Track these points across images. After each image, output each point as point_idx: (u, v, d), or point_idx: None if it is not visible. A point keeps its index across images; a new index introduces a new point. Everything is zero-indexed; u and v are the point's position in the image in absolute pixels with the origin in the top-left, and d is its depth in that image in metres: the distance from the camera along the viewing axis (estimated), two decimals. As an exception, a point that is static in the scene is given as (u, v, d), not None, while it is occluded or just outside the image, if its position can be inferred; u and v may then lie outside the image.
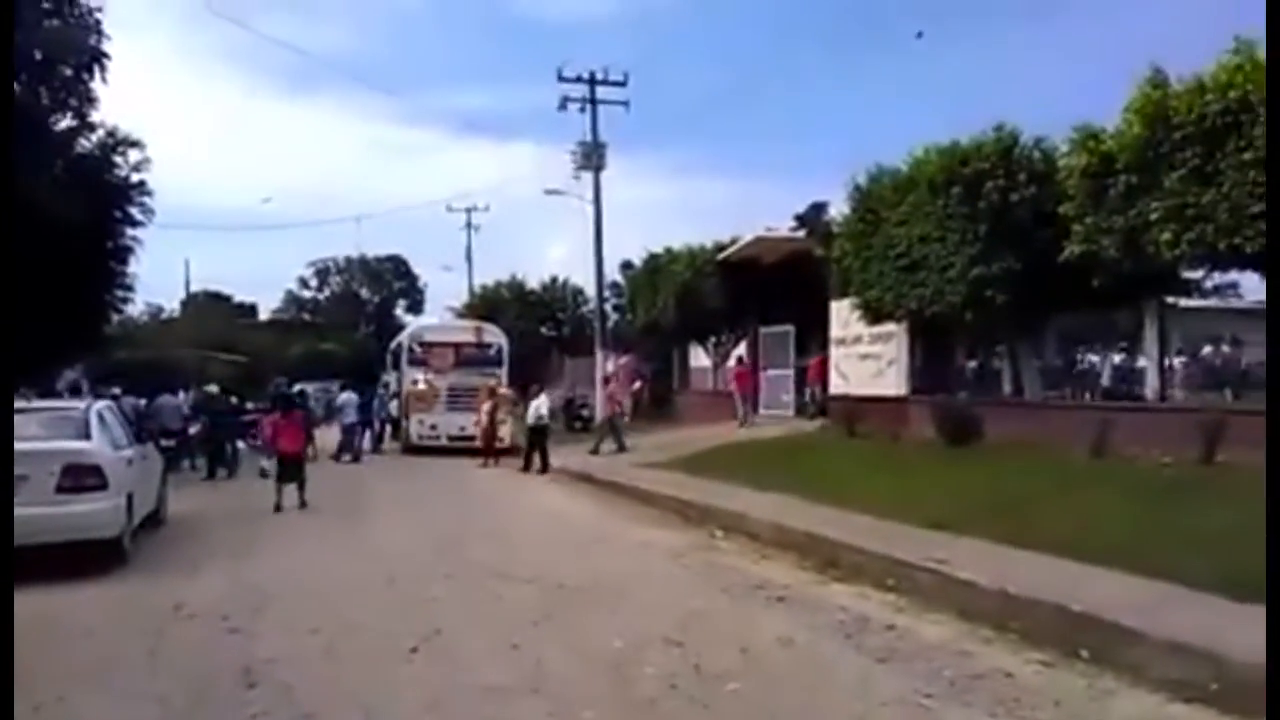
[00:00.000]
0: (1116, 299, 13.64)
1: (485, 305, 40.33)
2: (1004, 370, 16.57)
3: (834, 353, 20.41)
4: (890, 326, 17.74)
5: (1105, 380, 16.17)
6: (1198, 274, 13.41)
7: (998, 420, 14.75)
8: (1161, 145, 11.49)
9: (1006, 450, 13.32)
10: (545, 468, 18.69)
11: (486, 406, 20.77)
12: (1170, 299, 13.58)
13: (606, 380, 22.44)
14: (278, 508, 13.24)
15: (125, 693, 5.28)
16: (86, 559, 8.73)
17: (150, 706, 5.06)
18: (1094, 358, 16.77)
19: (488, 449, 20.37)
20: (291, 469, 13.73)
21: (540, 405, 19.49)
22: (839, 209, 19.23)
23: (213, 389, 21.65)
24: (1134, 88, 11.98)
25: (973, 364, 18.39)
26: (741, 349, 25.90)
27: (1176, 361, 14.46)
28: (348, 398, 22.19)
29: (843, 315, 19.44)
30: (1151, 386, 13.49)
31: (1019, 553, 7.72)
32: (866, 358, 19.16)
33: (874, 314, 17.48)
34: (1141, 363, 14.16)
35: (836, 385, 20.24)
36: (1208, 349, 16.22)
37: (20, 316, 15.17)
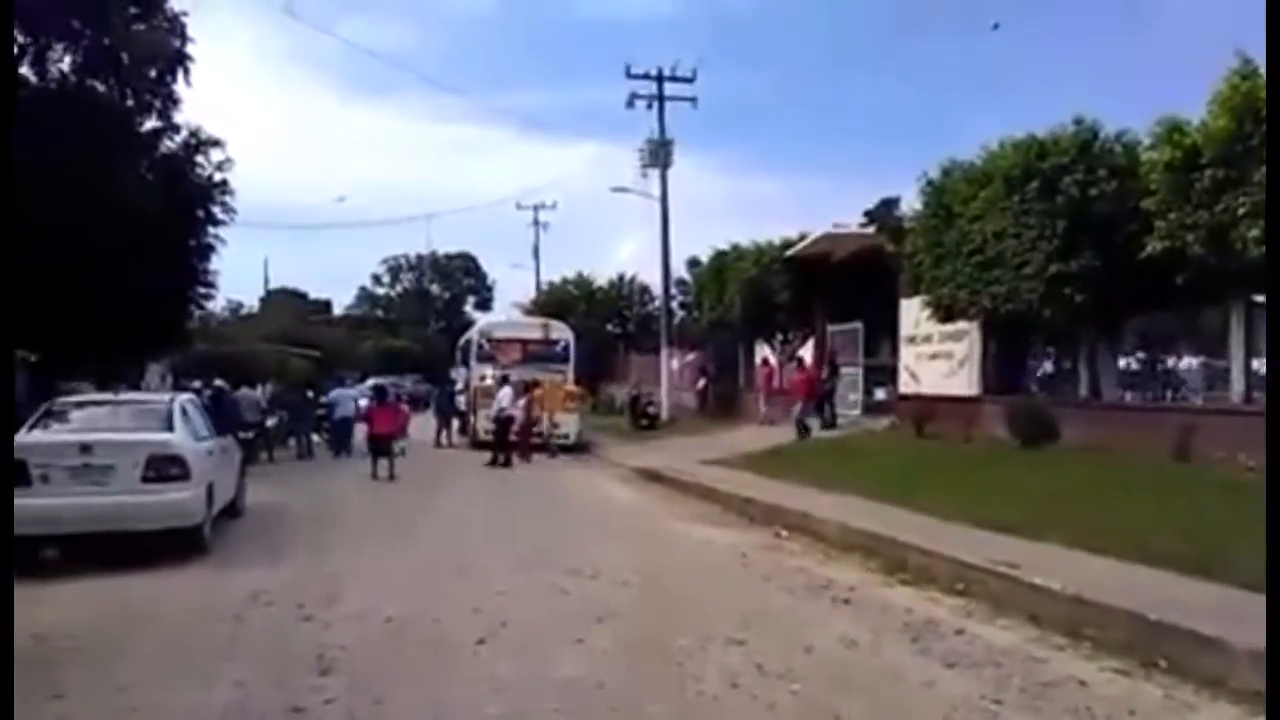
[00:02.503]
0: (1201, 298, 13.15)
1: (553, 302, 40.68)
2: (1081, 371, 16.11)
3: (904, 351, 20.10)
4: (962, 325, 17.40)
5: (1189, 382, 15.62)
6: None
7: (1074, 422, 14.37)
8: (1250, 138, 11.04)
9: (1083, 453, 12.98)
10: (508, 460, 18.99)
11: (522, 402, 20.59)
12: (1258, 297, 13.05)
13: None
14: (374, 475, 16.36)
15: (205, 676, 5.45)
16: (169, 547, 9.05)
17: (228, 690, 5.23)
18: (1177, 359, 16.20)
19: (524, 445, 20.29)
20: (385, 446, 16.74)
21: (503, 397, 19.87)
22: (910, 205, 18.92)
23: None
24: (1220, 78, 11.54)
25: (1048, 364, 17.93)
26: (807, 349, 25.66)
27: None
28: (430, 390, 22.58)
29: (913, 313, 19.13)
30: (1237, 389, 12.99)
31: (1094, 558, 7.52)
32: (937, 357, 18.84)
33: (946, 312, 17.14)
34: (1227, 364, 13.62)
35: (906, 384, 19.93)
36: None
37: (107, 312, 15.76)
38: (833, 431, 19.81)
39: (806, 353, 26.79)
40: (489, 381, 23.19)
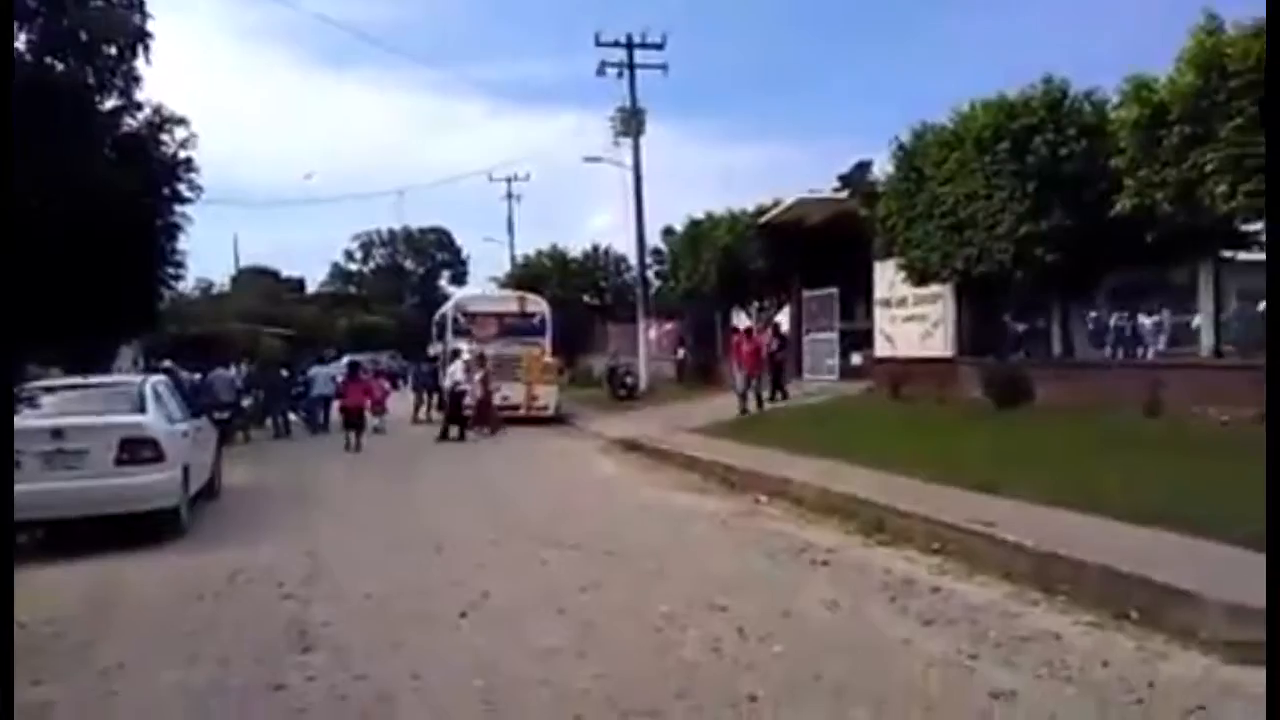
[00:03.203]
0: (1171, 255, 13.28)
1: (528, 275, 40.54)
2: (1054, 330, 16.25)
3: (879, 315, 20.19)
4: (936, 288, 17.49)
5: (1159, 339, 15.80)
6: (1255, 226, 13.00)
7: (1047, 381, 14.53)
8: (1217, 94, 11.11)
9: (1057, 412, 13.14)
10: (461, 434, 19.10)
11: (479, 375, 20.56)
12: (1227, 253, 13.19)
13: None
14: (347, 446, 17.65)
15: (186, 657, 5.44)
16: (146, 530, 9.00)
17: (211, 667, 5.23)
18: (1147, 317, 16.37)
19: (485, 417, 20.37)
20: (356, 419, 18.24)
21: (455, 370, 20.00)
22: (883, 168, 18.92)
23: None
24: (1187, 35, 11.58)
25: (1021, 325, 18.08)
26: (784, 315, 25.67)
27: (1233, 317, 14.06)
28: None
29: (888, 277, 19.21)
30: (1207, 344, 13.16)
31: (1069, 514, 7.63)
32: (912, 319, 18.95)
33: (919, 275, 17.22)
34: (1197, 320, 13.79)
35: (882, 348, 20.04)
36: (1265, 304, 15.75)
37: (74, 294, 15.54)
38: (785, 403, 19.49)
39: (769, 320, 26.86)
40: (465, 356, 23.10)
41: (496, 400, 22.47)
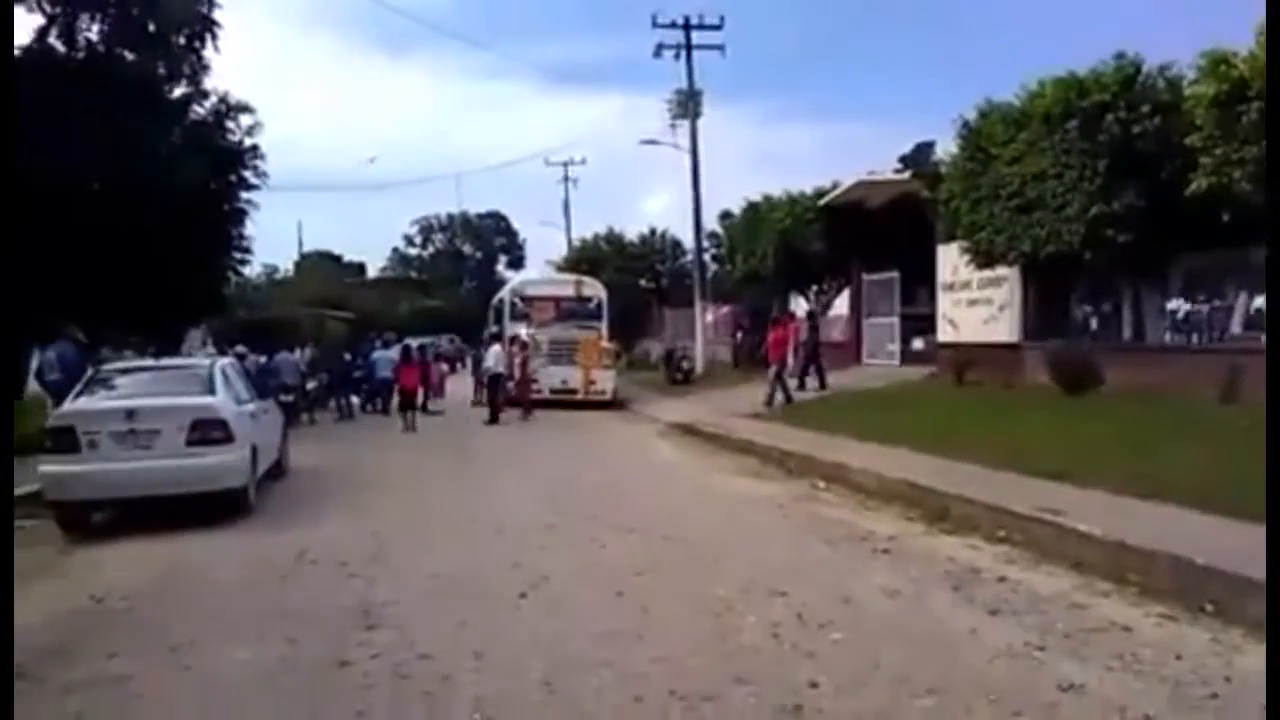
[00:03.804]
0: (1249, 236, 12.79)
1: (584, 259, 40.58)
2: (1125, 314, 15.79)
3: (942, 299, 19.84)
4: (1002, 270, 17.12)
5: (1237, 324, 15.23)
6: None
7: (1118, 367, 14.15)
8: (1301, 67, 10.63)
9: (1127, 398, 12.79)
10: (495, 417, 19.20)
11: (519, 359, 20.60)
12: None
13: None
14: (404, 428, 18.19)
15: (255, 634, 5.57)
16: (215, 509, 9.23)
17: (279, 646, 5.33)
18: (1225, 301, 15.80)
19: (522, 401, 20.33)
20: (410, 400, 18.80)
21: (490, 355, 20.25)
22: (946, 149, 18.54)
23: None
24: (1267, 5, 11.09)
25: (1090, 308, 17.61)
26: (843, 299, 25.35)
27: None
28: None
29: (951, 260, 18.85)
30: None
31: (1140, 504, 7.43)
32: (976, 303, 18.59)
33: (985, 258, 16.86)
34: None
35: (945, 333, 19.70)
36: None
37: (144, 279, 15.95)
38: (824, 392, 18.87)
39: (828, 304, 26.46)
40: (523, 339, 23.26)
41: (555, 384, 22.65)
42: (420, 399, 21.14)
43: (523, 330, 23.51)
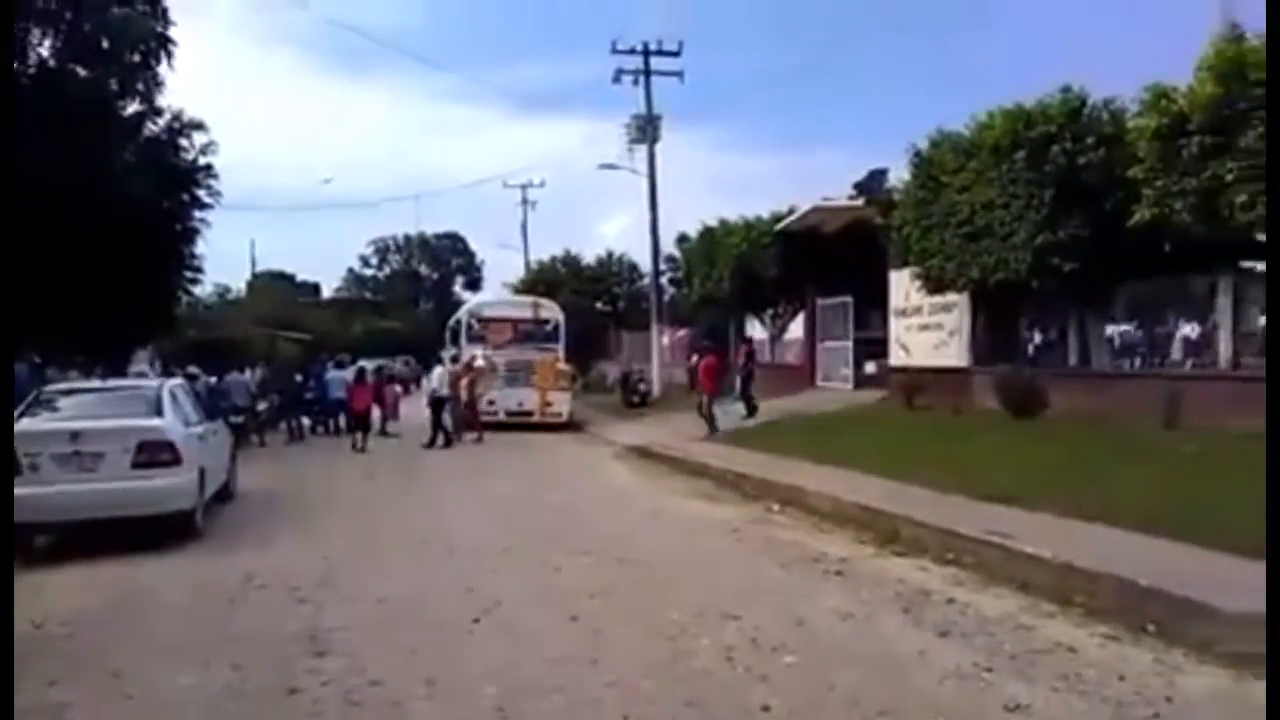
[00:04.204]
0: (1189, 265, 13.18)
1: (542, 281, 40.51)
2: (1070, 340, 16.15)
3: (894, 324, 20.11)
4: (952, 296, 17.41)
5: (1176, 350, 15.68)
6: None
7: (1064, 392, 14.43)
8: (1237, 103, 11.02)
9: (1073, 422, 13.04)
10: (448, 441, 19.13)
11: (465, 381, 20.57)
12: (1246, 264, 13.08)
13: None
14: (354, 447, 18.67)
15: (200, 660, 5.46)
16: (161, 533, 9.04)
17: (226, 672, 5.24)
18: (1165, 328, 16.25)
19: (471, 423, 20.30)
20: (362, 420, 19.36)
21: (434, 378, 20.18)
22: (899, 176, 18.85)
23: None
24: (1207, 44, 11.50)
25: (1037, 334, 17.98)
26: (797, 323, 25.56)
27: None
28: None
29: (903, 285, 19.13)
30: (1225, 356, 13.05)
31: (1085, 526, 7.59)
32: (927, 328, 18.86)
33: (935, 284, 17.15)
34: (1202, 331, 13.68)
35: (897, 357, 19.97)
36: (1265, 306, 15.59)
37: (92, 298, 15.64)
38: (751, 421, 18.80)
39: (782, 328, 26.70)
40: (479, 362, 23.15)
41: (511, 406, 22.56)
42: (378, 421, 21.00)
43: (479, 351, 23.41)
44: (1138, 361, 15.71)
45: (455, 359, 23.62)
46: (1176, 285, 14.74)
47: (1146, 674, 4.89)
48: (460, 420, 20.06)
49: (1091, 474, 9.56)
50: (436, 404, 19.74)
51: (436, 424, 19.45)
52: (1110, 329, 16.00)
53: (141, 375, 19.33)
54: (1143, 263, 13.11)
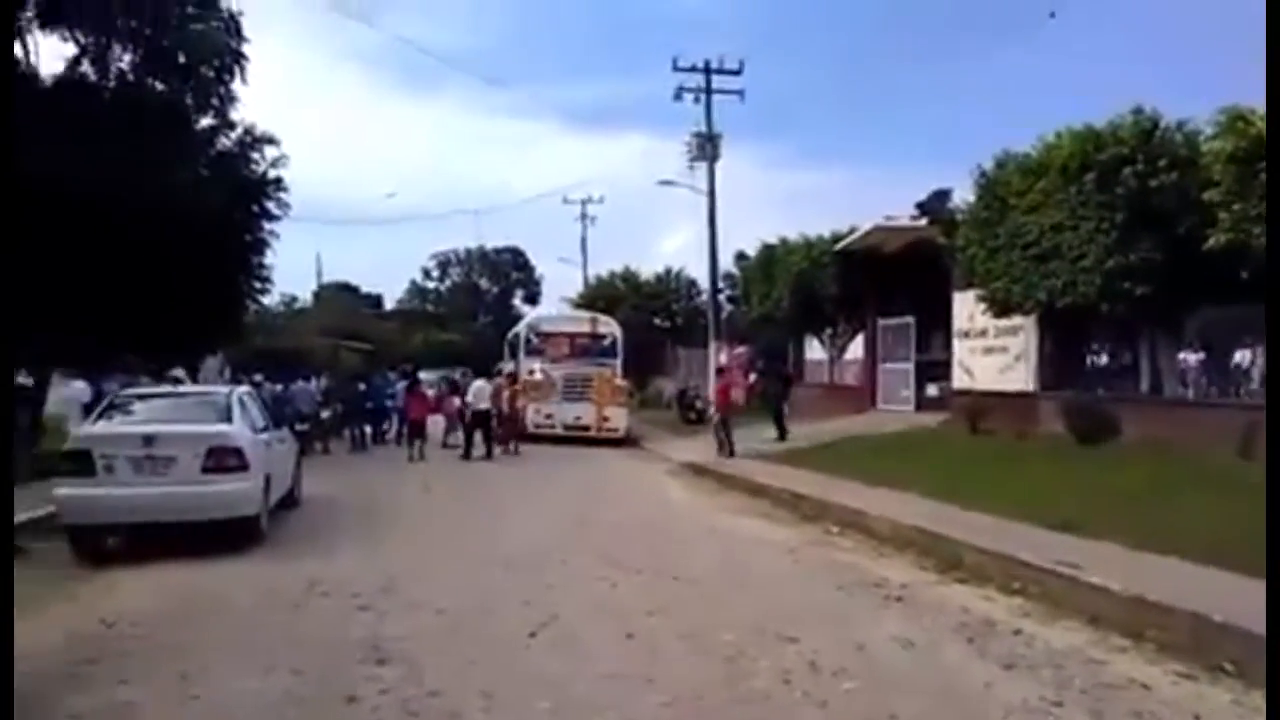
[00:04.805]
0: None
1: (600, 296, 40.73)
2: (1142, 366, 15.73)
3: (957, 346, 19.81)
4: (1018, 319, 17.09)
5: (1255, 379, 15.16)
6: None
7: (1134, 418, 14.05)
8: (1320, 126, 10.66)
9: (1143, 450, 12.68)
10: (487, 452, 19.27)
11: (506, 394, 20.94)
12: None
13: (720, 371, 21.84)
14: (410, 458, 18.96)
15: (264, 664, 5.55)
16: (227, 537, 9.24)
17: (286, 677, 5.32)
18: (1242, 354, 15.73)
19: (506, 434, 20.57)
20: (417, 429, 19.78)
21: (474, 392, 20.22)
22: (963, 197, 18.60)
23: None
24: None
25: (1107, 359, 17.54)
26: (857, 342, 25.32)
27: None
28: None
29: (967, 307, 18.85)
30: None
31: (1157, 558, 7.35)
32: (992, 351, 18.55)
33: (1001, 306, 16.85)
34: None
35: (960, 380, 19.65)
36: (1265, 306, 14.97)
37: (165, 306, 16.09)
38: (781, 445, 18.61)
39: (843, 348, 26.52)
40: (538, 375, 23.33)
41: (569, 420, 22.70)
42: (442, 432, 21.56)
43: (537, 365, 23.60)
44: (1212, 390, 15.23)
45: (500, 373, 23.98)
46: (1254, 313, 14.26)
47: (1224, 715, 4.73)
48: (496, 433, 20.37)
49: (1162, 504, 9.27)
50: (474, 416, 19.97)
51: (470, 436, 19.70)
52: (1191, 356, 15.54)
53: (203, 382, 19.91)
54: (1218, 289, 12.73)
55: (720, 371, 20.82)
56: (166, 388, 12.76)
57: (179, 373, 15.67)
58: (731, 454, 17.52)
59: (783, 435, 19.48)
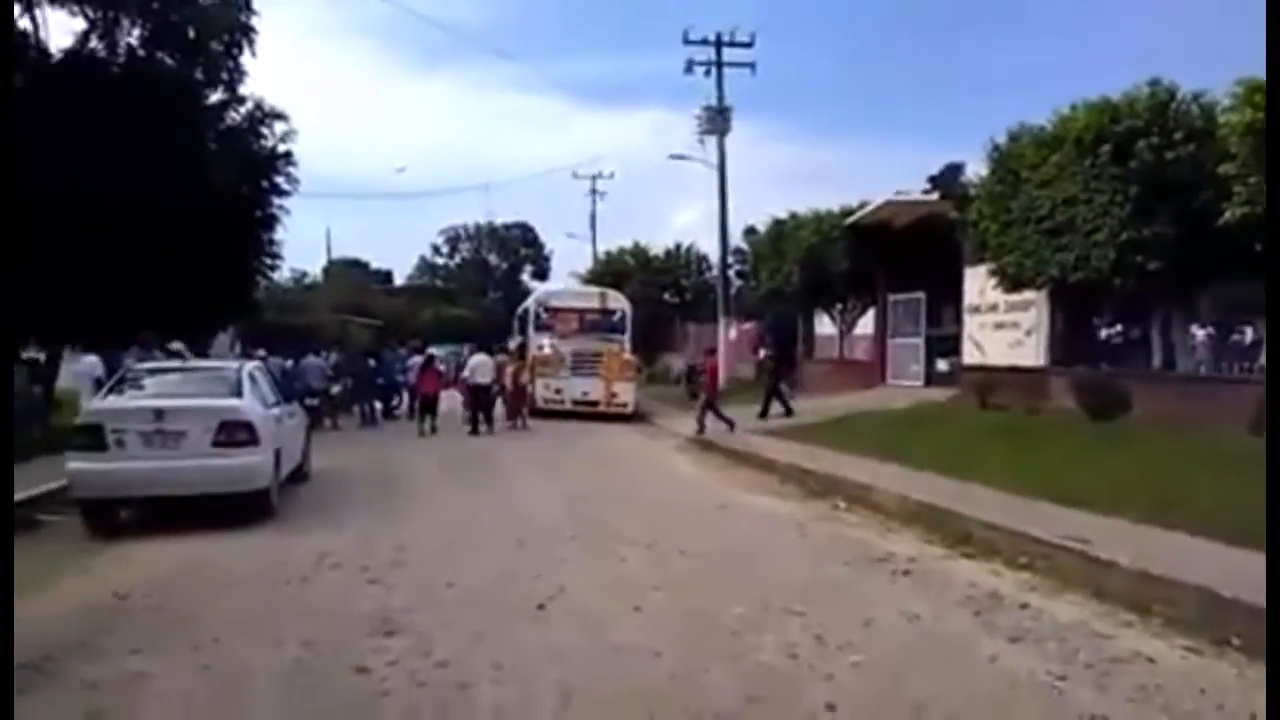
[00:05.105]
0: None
1: (609, 272, 40.67)
2: (1154, 341, 15.64)
3: (968, 321, 19.72)
4: (1029, 294, 17.01)
5: (1264, 355, 15.08)
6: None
7: (1146, 394, 13.99)
8: (1340, 97, 10.51)
9: (1155, 425, 12.63)
10: (488, 425, 19.44)
11: (510, 369, 21.12)
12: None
13: (710, 352, 21.52)
14: (421, 433, 19.26)
15: (274, 636, 5.61)
16: (238, 510, 9.31)
17: (297, 648, 5.37)
18: (1253, 330, 15.64)
19: (512, 409, 20.86)
20: (430, 404, 19.78)
21: (473, 366, 20.36)
22: (975, 171, 18.49)
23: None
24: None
25: (1119, 334, 17.45)
26: (868, 318, 25.23)
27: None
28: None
29: (978, 282, 18.75)
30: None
31: (1165, 533, 7.34)
32: (1003, 326, 18.47)
33: (1012, 281, 16.76)
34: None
35: (970, 355, 19.58)
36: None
37: (176, 281, 16.13)
38: (787, 419, 18.58)
39: (852, 322, 26.49)
40: (547, 351, 23.35)
41: (577, 395, 22.75)
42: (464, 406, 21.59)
43: (546, 340, 23.61)
44: (1224, 366, 15.15)
45: (504, 349, 24.13)
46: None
47: (1229, 690, 4.72)
48: (503, 407, 20.75)
49: (1172, 480, 9.24)
50: (473, 391, 20.14)
51: (474, 411, 19.84)
52: (1204, 332, 15.45)
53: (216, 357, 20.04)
54: (1233, 263, 12.62)
55: (710, 352, 20.98)
56: (177, 362, 12.79)
57: (177, 346, 15.70)
58: (701, 432, 17.54)
59: (776, 412, 19.49)
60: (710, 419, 17.77)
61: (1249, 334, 15.12)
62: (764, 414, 19.38)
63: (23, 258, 9.96)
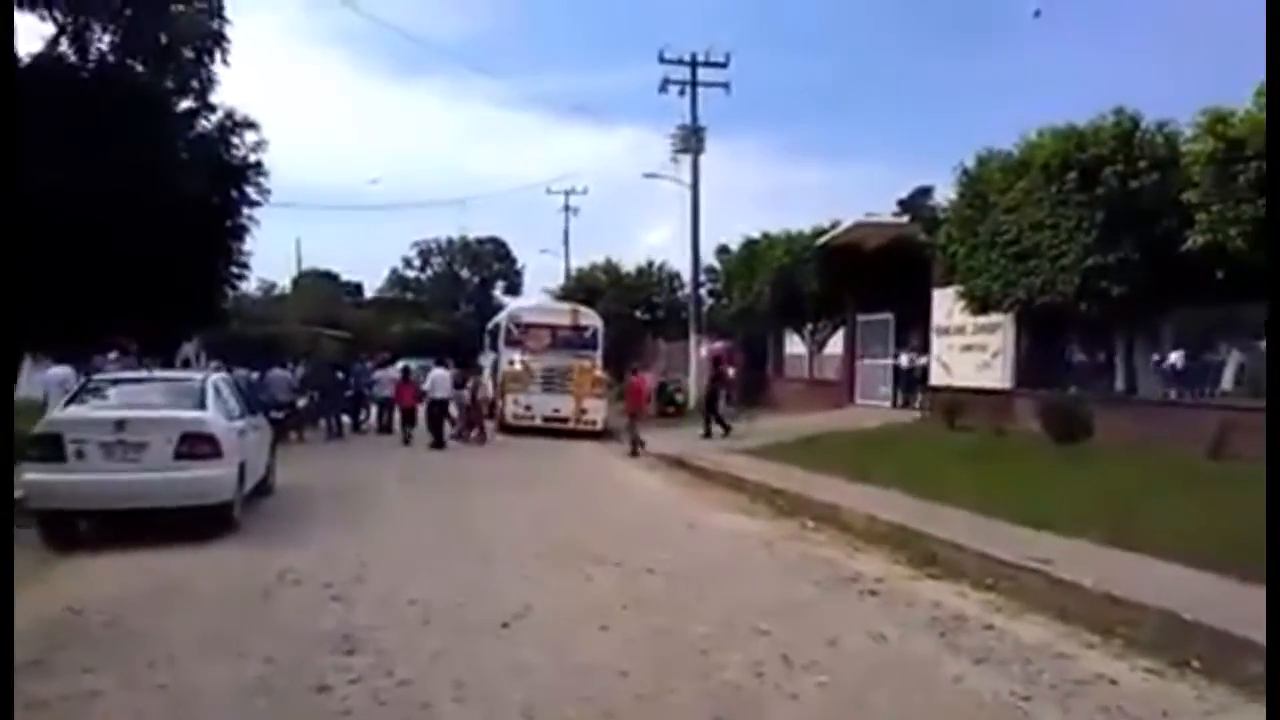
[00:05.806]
0: (1243, 293, 12.88)
1: (581, 288, 40.61)
2: (1118, 366, 15.85)
3: (936, 343, 19.90)
4: (996, 317, 17.20)
5: (1227, 380, 15.32)
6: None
7: (1109, 418, 14.16)
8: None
9: (1117, 449, 12.79)
10: (440, 442, 19.43)
11: (469, 384, 21.54)
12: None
13: (634, 371, 21.73)
14: (405, 441, 20.10)
15: (234, 652, 5.51)
16: (200, 524, 9.15)
17: (257, 666, 5.27)
18: (1214, 356, 15.88)
19: (471, 424, 21.02)
20: (409, 414, 20.55)
21: (432, 380, 20.51)
22: (945, 194, 18.70)
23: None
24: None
25: (1083, 358, 17.68)
26: (837, 339, 25.39)
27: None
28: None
29: (946, 304, 18.93)
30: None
31: (1127, 556, 7.42)
32: (970, 348, 18.66)
33: (980, 303, 16.94)
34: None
35: (938, 376, 19.75)
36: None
37: (142, 290, 15.92)
38: (862, 421, 19.32)
39: (822, 343, 26.69)
40: (517, 367, 23.26)
41: (548, 411, 22.68)
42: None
43: (518, 356, 23.53)
44: (1185, 391, 15.36)
45: (465, 364, 24.31)
46: (1229, 313, 14.41)
47: (1190, 712, 4.77)
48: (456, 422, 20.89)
49: (1134, 503, 9.34)
50: (431, 405, 20.16)
51: (435, 425, 19.81)
52: (1167, 357, 15.67)
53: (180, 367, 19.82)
54: (1195, 289, 12.85)
55: (634, 371, 21.47)
56: (142, 373, 12.59)
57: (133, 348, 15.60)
58: (635, 454, 18.07)
59: (707, 433, 19.93)
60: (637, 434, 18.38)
61: (1210, 359, 15.34)
62: (707, 434, 19.66)
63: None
